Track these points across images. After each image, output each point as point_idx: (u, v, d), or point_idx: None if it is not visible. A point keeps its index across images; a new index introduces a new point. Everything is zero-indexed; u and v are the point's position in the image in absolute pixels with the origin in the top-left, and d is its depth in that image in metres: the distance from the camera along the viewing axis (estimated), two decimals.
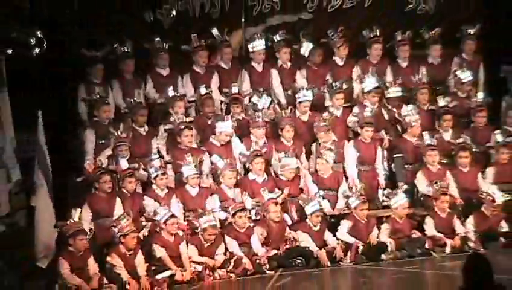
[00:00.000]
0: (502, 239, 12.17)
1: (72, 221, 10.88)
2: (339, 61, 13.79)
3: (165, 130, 12.64)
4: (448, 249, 12.02)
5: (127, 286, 10.64)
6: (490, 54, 14.14)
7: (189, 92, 13.19)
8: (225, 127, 12.47)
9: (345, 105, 13.33)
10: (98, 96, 12.46)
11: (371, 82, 13.29)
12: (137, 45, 13.00)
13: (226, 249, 11.49)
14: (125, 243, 10.95)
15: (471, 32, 14.02)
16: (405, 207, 12.21)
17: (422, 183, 12.69)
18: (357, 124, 13.00)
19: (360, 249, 11.77)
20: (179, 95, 12.82)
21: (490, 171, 12.95)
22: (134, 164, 12.02)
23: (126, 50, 12.91)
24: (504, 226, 12.40)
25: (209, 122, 12.75)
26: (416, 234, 12.15)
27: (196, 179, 11.97)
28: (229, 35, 13.56)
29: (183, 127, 12.30)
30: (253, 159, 12.29)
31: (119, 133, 12.09)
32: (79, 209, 11.19)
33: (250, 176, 12.38)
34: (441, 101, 13.43)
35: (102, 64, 12.80)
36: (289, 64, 13.59)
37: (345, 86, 13.32)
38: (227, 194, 12.09)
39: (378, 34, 13.74)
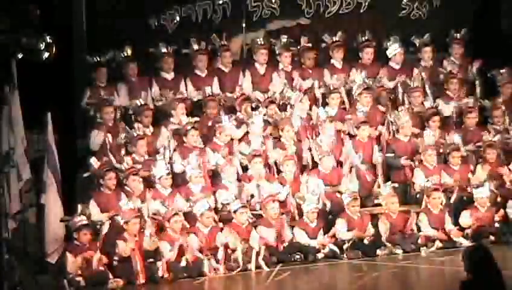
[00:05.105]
0: (492, 237, 12.40)
1: (77, 216, 11.25)
2: (337, 64, 14.15)
3: (171, 131, 12.88)
4: (440, 245, 12.30)
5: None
6: (479, 56, 14.47)
7: (192, 95, 13.53)
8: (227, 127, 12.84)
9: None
10: (102, 98, 12.74)
11: (361, 83, 13.63)
12: (142, 50, 13.33)
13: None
14: (128, 229, 11.25)
15: (458, 36, 14.41)
16: (394, 200, 12.41)
17: (420, 178, 12.96)
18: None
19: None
20: (180, 97, 13.15)
21: (479, 169, 13.20)
22: (137, 164, 12.34)
23: (127, 55, 13.20)
24: (497, 223, 12.65)
25: (209, 123, 13.04)
26: (410, 230, 12.41)
27: (200, 178, 12.24)
28: (228, 40, 13.83)
29: (189, 127, 12.63)
30: (251, 159, 12.59)
31: (138, 132, 12.45)
32: (84, 205, 11.54)
33: (249, 172, 12.66)
34: (428, 103, 13.83)
35: (106, 68, 13.08)
36: (290, 67, 13.92)
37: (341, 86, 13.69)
38: (229, 189, 12.29)
39: (369, 38, 14.14)
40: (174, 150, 12.71)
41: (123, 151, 12.44)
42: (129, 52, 13.23)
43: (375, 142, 13.39)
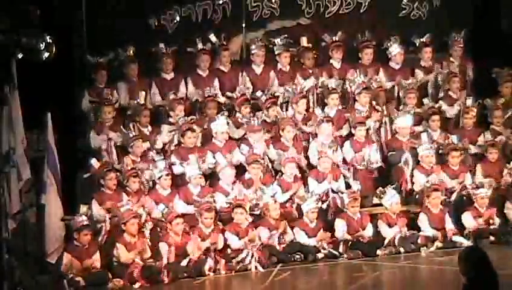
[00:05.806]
0: (492, 237, 12.44)
1: (78, 216, 11.27)
2: (336, 64, 14.17)
3: (169, 132, 12.89)
4: (440, 245, 12.32)
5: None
6: (479, 56, 14.53)
7: (192, 95, 13.53)
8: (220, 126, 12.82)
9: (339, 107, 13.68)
10: (103, 97, 12.76)
11: (360, 83, 13.65)
12: (143, 50, 13.35)
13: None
14: (127, 229, 11.28)
15: (459, 38, 14.44)
16: (398, 203, 12.49)
17: (420, 178, 12.98)
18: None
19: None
20: (178, 98, 13.15)
21: (479, 169, 13.25)
22: (137, 165, 12.34)
23: (129, 55, 13.25)
24: (496, 223, 12.66)
25: (205, 125, 13.05)
26: (409, 230, 12.41)
27: (199, 179, 12.27)
28: (226, 40, 13.85)
29: (186, 128, 12.62)
30: (250, 163, 12.57)
31: (134, 132, 12.46)
32: (86, 205, 11.56)
33: (246, 175, 12.64)
34: (428, 103, 13.86)
35: (106, 69, 13.10)
36: (288, 67, 13.93)
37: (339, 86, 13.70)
38: (228, 191, 12.33)
39: (369, 38, 14.18)
40: (171, 151, 12.71)
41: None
42: (132, 51, 13.25)
43: (372, 143, 13.38)
